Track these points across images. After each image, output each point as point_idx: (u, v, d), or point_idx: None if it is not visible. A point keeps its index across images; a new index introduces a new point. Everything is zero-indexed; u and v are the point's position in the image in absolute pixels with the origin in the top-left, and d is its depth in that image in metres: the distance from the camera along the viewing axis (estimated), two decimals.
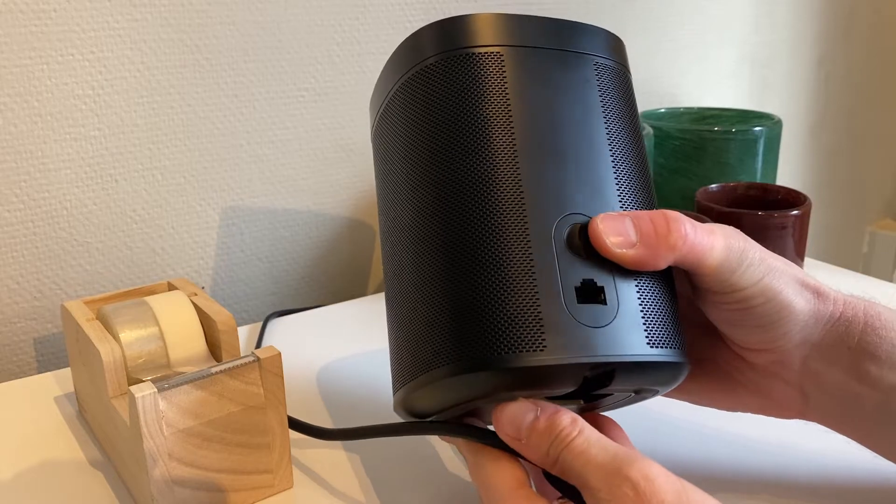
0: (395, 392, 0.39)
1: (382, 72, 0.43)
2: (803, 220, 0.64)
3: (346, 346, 0.62)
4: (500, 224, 0.34)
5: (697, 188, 0.69)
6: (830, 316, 0.38)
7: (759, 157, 0.77)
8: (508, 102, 0.36)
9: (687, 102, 1.00)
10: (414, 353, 0.36)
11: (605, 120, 0.38)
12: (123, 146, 0.64)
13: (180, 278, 0.55)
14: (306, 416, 0.53)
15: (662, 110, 0.87)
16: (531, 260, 0.34)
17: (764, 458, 0.47)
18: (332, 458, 0.48)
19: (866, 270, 1.30)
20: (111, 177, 0.64)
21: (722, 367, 0.41)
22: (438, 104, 0.37)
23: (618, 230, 0.34)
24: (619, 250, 0.34)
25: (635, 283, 0.35)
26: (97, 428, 0.50)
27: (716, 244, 0.35)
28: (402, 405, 0.38)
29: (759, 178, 0.78)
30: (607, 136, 0.38)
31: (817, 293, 0.38)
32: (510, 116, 0.36)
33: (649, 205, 0.38)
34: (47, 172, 0.61)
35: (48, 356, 0.65)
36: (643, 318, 0.34)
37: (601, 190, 0.36)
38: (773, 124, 0.78)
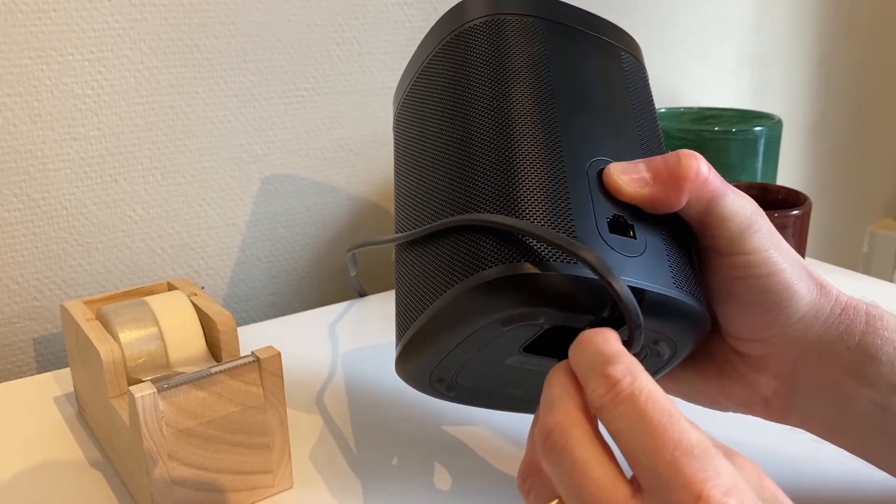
0: (414, 318, 0.37)
1: (422, 42, 0.45)
2: (803, 220, 0.64)
3: (346, 346, 0.62)
4: (538, 154, 0.36)
5: None
6: (831, 311, 0.37)
7: (760, 157, 0.77)
8: (547, 60, 0.39)
9: (687, 102, 1.00)
10: (444, 268, 0.36)
11: (631, 96, 0.41)
12: (123, 146, 0.64)
13: (180, 278, 0.55)
14: (306, 416, 0.53)
15: (662, 110, 0.86)
16: (566, 191, 0.34)
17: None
18: (332, 458, 0.48)
19: (866, 270, 1.30)
20: (111, 177, 0.64)
21: (715, 359, 0.40)
22: (479, 57, 0.40)
23: (630, 171, 0.35)
24: (632, 189, 0.35)
25: (661, 228, 0.36)
26: (97, 428, 0.50)
27: (729, 192, 0.36)
28: (426, 327, 0.36)
29: (759, 178, 0.78)
30: (633, 109, 0.40)
31: (820, 286, 0.38)
32: (549, 71, 0.38)
33: None
34: (47, 172, 0.61)
35: (48, 356, 0.65)
36: (668, 260, 0.35)
37: (629, 144, 0.38)
38: (773, 124, 0.78)
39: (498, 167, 0.36)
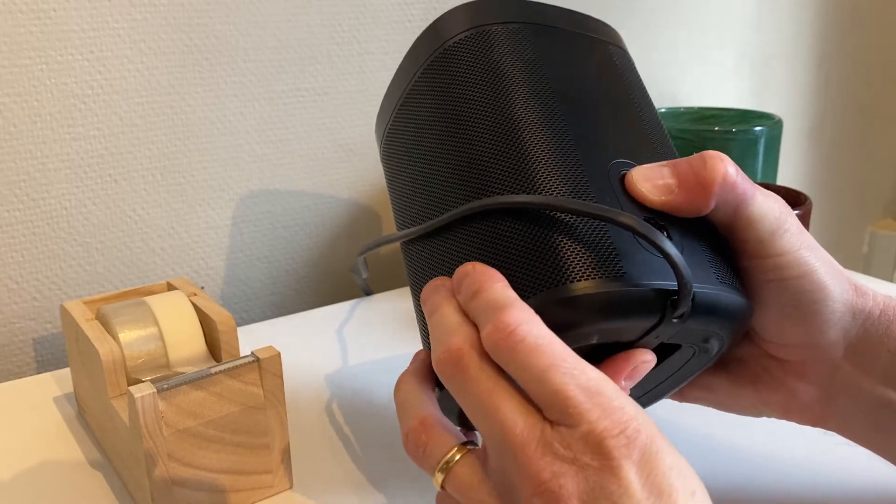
0: None
1: (402, 64, 0.43)
2: (803, 220, 0.64)
3: (346, 347, 0.62)
4: (557, 163, 0.34)
5: None
6: (870, 313, 0.36)
7: (760, 157, 0.77)
8: (542, 67, 0.38)
9: (687, 102, 1.00)
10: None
11: (629, 92, 0.40)
12: (123, 146, 0.64)
13: (180, 278, 0.55)
14: (306, 416, 0.53)
15: (662, 110, 0.86)
16: (592, 196, 0.34)
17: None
18: (332, 458, 0.48)
19: (866, 270, 1.30)
20: (111, 177, 0.64)
21: (750, 367, 0.39)
22: (473, 73, 0.38)
23: (654, 177, 0.34)
24: (657, 196, 0.34)
25: (692, 225, 0.35)
26: (96, 428, 0.50)
27: (757, 194, 0.34)
28: None
29: (759, 178, 0.78)
30: (635, 106, 0.40)
31: (855, 286, 0.36)
32: (547, 77, 0.37)
33: None
34: (47, 172, 0.61)
35: (47, 356, 0.65)
36: (707, 256, 0.34)
37: (642, 143, 0.38)
38: (773, 124, 0.78)
39: (516, 184, 0.34)
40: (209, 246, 0.70)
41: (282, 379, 0.43)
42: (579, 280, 0.32)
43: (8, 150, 0.60)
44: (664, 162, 0.35)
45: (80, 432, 0.51)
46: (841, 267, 0.37)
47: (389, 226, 0.79)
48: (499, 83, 0.37)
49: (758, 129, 0.77)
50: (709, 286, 0.33)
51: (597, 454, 0.27)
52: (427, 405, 0.34)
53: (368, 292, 0.71)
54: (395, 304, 0.70)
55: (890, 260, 1.28)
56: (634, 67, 0.43)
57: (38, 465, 0.48)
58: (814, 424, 0.40)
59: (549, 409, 0.29)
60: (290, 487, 0.46)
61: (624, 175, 0.35)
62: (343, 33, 0.71)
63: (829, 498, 0.44)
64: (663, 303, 0.32)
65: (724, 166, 0.34)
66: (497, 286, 0.32)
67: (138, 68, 0.63)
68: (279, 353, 0.43)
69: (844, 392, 0.38)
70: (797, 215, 0.63)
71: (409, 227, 0.40)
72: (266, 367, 0.43)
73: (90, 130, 0.62)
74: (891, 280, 1.11)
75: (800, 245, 0.35)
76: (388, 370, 0.58)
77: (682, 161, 0.34)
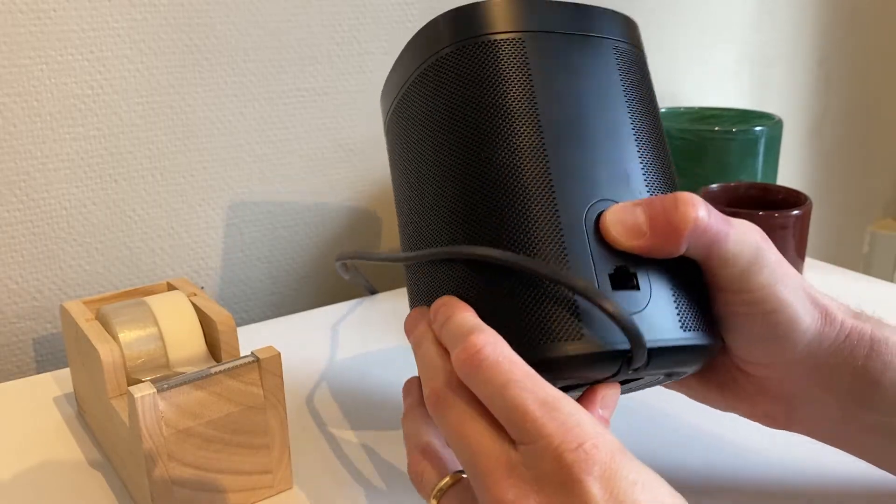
0: None
1: (396, 63, 0.41)
2: (804, 220, 0.64)
3: (346, 347, 0.62)
4: (530, 213, 0.34)
5: (698, 188, 0.69)
6: (835, 338, 0.37)
7: (760, 157, 0.77)
8: (532, 89, 0.36)
9: (687, 102, 1.00)
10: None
11: (627, 103, 0.38)
12: (123, 146, 0.64)
13: (180, 278, 0.55)
14: (306, 416, 0.53)
15: (663, 110, 0.86)
16: (564, 250, 0.34)
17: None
18: (332, 458, 0.48)
19: (866, 270, 1.30)
20: (111, 177, 0.64)
21: (719, 374, 0.41)
22: (460, 93, 0.37)
23: (626, 219, 0.34)
24: (627, 241, 0.34)
25: (665, 266, 0.35)
26: (96, 428, 0.50)
27: (731, 234, 0.34)
28: None
29: (759, 178, 0.78)
30: (630, 120, 0.37)
31: (825, 313, 0.37)
32: (534, 104, 0.36)
33: (672, 186, 0.38)
34: (46, 172, 0.61)
35: (47, 356, 0.65)
36: (675, 301, 0.34)
37: (628, 175, 0.36)
38: (773, 124, 0.78)
39: (486, 233, 0.34)
40: (209, 246, 0.70)
41: (282, 379, 0.43)
42: (537, 343, 0.33)
43: (8, 150, 0.60)
44: (639, 201, 0.35)
45: (80, 432, 0.51)
46: (815, 294, 0.37)
47: (389, 226, 0.79)
48: (480, 115, 0.36)
49: (758, 129, 0.77)
50: (669, 338, 0.34)
51: (557, 470, 0.28)
52: (428, 434, 0.35)
53: (372, 290, 0.72)
54: (396, 304, 0.70)
55: (890, 260, 1.28)
56: (642, 66, 0.41)
57: (38, 465, 0.48)
58: (779, 428, 0.41)
59: (510, 426, 0.30)
60: (290, 487, 0.45)
61: (601, 214, 0.35)
62: (343, 33, 0.71)
63: (826, 489, 0.44)
64: (619, 360, 0.33)
65: (694, 211, 0.33)
66: (465, 315, 0.33)
67: (138, 68, 0.63)
68: (279, 353, 0.43)
69: (809, 405, 0.39)
70: (797, 215, 0.63)
71: (406, 230, 0.40)
72: (266, 367, 0.43)
73: (90, 130, 0.62)
74: (891, 280, 1.11)
75: (775, 280, 0.35)
76: (389, 370, 0.58)
77: (656, 201, 0.34)
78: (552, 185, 0.34)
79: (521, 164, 0.35)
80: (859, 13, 1.17)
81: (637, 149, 0.37)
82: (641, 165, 0.37)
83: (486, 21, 0.37)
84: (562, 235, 0.34)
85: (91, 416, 0.51)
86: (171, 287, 0.54)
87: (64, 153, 0.62)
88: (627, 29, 0.40)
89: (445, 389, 0.32)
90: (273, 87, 0.69)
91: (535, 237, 0.34)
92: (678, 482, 0.29)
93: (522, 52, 0.36)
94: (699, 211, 0.34)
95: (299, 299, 0.76)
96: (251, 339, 0.64)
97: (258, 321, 0.72)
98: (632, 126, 0.37)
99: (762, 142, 0.77)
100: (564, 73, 0.37)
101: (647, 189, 0.36)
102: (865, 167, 1.29)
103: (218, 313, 0.48)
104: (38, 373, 0.64)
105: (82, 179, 0.63)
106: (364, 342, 0.63)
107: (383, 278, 0.79)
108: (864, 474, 0.44)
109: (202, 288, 0.67)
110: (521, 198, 0.34)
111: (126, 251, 0.66)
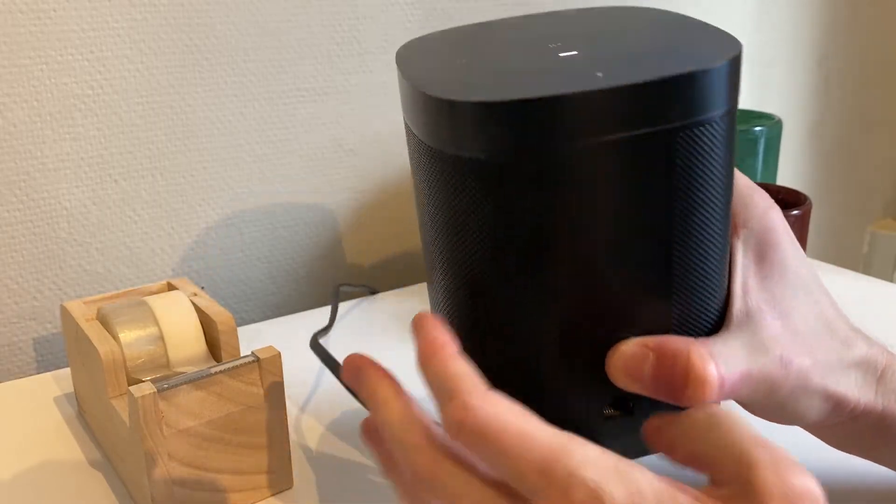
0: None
1: (417, 95, 0.33)
2: (804, 220, 0.64)
3: (346, 347, 0.62)
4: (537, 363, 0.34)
5: None
6: (844, 420, 0.37)
7: (760, 157, 0.77)
8: (556, 225, 0.31)
9: None
10: None
11: (677, 211, 0.31)
12: (123, 146, 0.64)
13: (180, 278, 0.55)
14: (306, 416, 0.53)
15: None
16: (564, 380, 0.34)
17: None
18: (332, 458, 0.48)
19: (866, 270, 1.30)
20: (111, 177, 0.64)
21: None
22: (473, 209, 0.32)
23: (632, 371, 0.33)
24: (627, 385, 0.33)
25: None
26: (97, 428, 0.50)
27: (742, 390, 0.33)
28: None
29: (759, 178, 0.78)
30: (677, 230, 0.32)
31: (836, 404, 0.36)
32: (561, 246, 0.31)
33: (715, 300, 0.35)
34: (46, 172, 0.61)
35: (47, 356, 0.65)
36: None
37: (654, 308, 0.33)
38: (773, 124, 0.78)
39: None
40: (209, 246, 0.70)
41: (282, 379, 0.43)
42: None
43: (8, 150, 0.60)
44: (652, 347, 0.33)
45: (80, 432, 0.51)
46: (831, 388, 0.36)
47: (389, 226, 0.79)
48: (481, 234, 0.32)
49: (758, 129, 0.77)
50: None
51: None
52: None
53: (373, 290, 0.72)
54: (397, 304, 0.70)
55: (890, 260, 1.28)
56: (719, 138, 0.32)
57: (38, 465, 0.48)
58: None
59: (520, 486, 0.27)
60: (290, 487, 0.46)
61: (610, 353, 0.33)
62: (343, 33, 0.71)
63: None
64: None
65: (709, 392, 0.32)
66: (449, 365, 0.31)
67: (138, 68, 0.63)
68: (279, 353, 0.43)
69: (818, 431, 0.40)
70: (797, 215, 0.63)
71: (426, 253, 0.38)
72: (266, 367, 0.43)
73: (90, 130, 0.62)
74: (891, 280, 1.11)
75: (790, 403, 0.35)
76: (389, 370, 0.58)
77: (669, 353, 0.32)
78: (562, 348, 0.33)
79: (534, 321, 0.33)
80: (859, 13, 1.17)
81: (674, 270, 0.32)
82: (675, 292, 0.33)
83: (518, 132, 0.29)
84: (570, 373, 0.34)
85: (91, 416, 0.51)
86: (171, 287, 0.54)
87: (64, 153, 0.62)
88: (710, 87, 0.31)
89: (439, 465, 0.30)
90: (273, 87, 0.69)
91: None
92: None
93: (531, 182, 0.31)
94: (712, 390, 0.32)
95: (299, 299, 0.76)
96: (251, 339, 0.64)
97: (258, 321, 0.72)
98: (677, 240, 0.32)
99: (762, 142, 0.77)
100: (591, 212, 0.31)
101: (673, 325, 0.34)
102: (865, 167, 1.29)
103: (218, 313, 0.48)
104: (39, 373, 0.64)
105: (82, 179, 0.63)
106: (365, 341, 0.63)
107: (383, 278, 0.79)
108: (864, 473, 0.44)
109: (202, 288, 0.67)
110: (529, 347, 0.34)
111: (126, 251, 0.66)
